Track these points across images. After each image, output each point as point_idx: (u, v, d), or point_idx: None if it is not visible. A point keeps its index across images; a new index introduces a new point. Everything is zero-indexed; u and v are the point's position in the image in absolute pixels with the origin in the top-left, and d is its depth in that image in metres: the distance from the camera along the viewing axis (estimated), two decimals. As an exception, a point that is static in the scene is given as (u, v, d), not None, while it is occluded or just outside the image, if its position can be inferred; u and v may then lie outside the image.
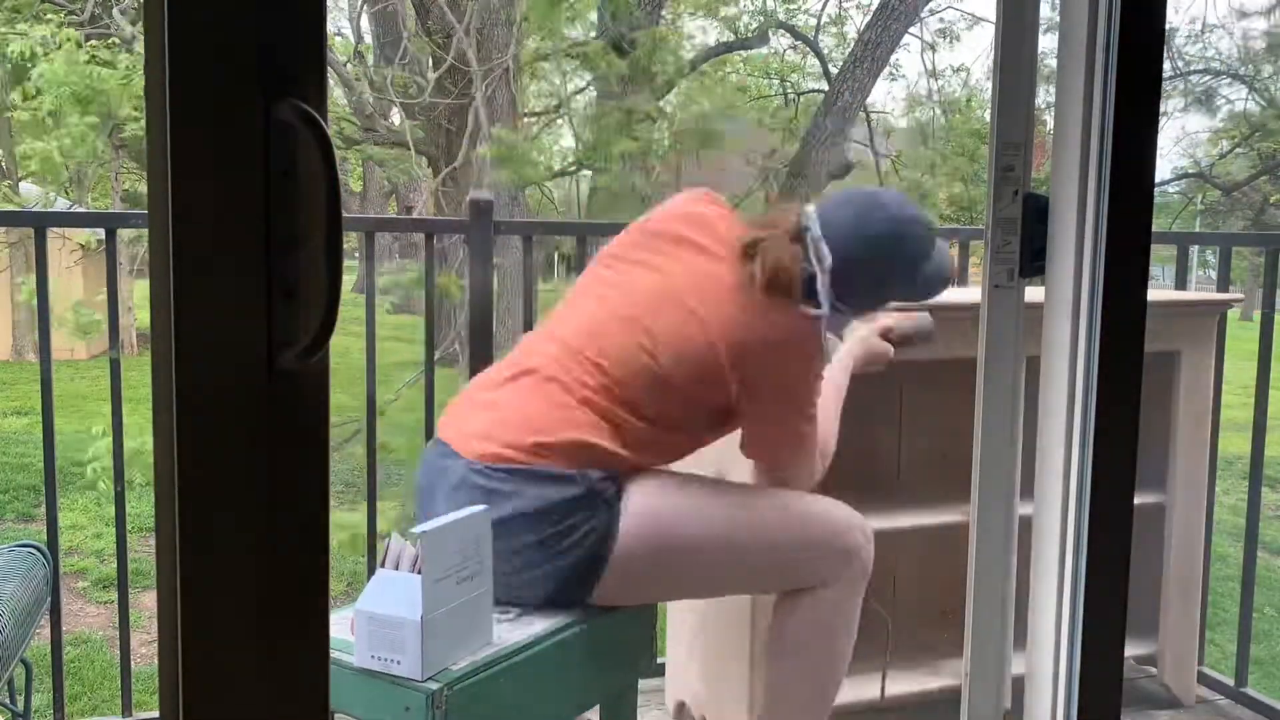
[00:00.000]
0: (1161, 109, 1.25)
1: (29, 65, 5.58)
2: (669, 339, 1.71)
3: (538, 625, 1.56)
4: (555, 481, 1.65)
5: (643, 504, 1.68)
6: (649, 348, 1.71)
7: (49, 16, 6.50)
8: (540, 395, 1.72)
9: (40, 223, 2.34)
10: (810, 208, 1.78)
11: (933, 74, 11.86)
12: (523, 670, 1.48)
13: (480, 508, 1.54)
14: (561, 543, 1.63)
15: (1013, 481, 1.38)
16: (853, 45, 8.45)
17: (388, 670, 1.40)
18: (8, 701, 1.99)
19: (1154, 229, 1.25)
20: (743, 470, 2.11)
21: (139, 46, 5.83)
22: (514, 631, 1.54)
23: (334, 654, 1.40)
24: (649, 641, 1.67)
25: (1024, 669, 1.33)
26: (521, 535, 1.63)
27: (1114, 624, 1.27)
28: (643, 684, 1.80)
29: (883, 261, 1.76)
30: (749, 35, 10.97)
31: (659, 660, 1.68)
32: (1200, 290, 3.12)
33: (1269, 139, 12.46)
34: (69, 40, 5.29)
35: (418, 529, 1.43)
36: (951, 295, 2.02)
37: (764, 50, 11.96)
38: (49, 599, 2.08)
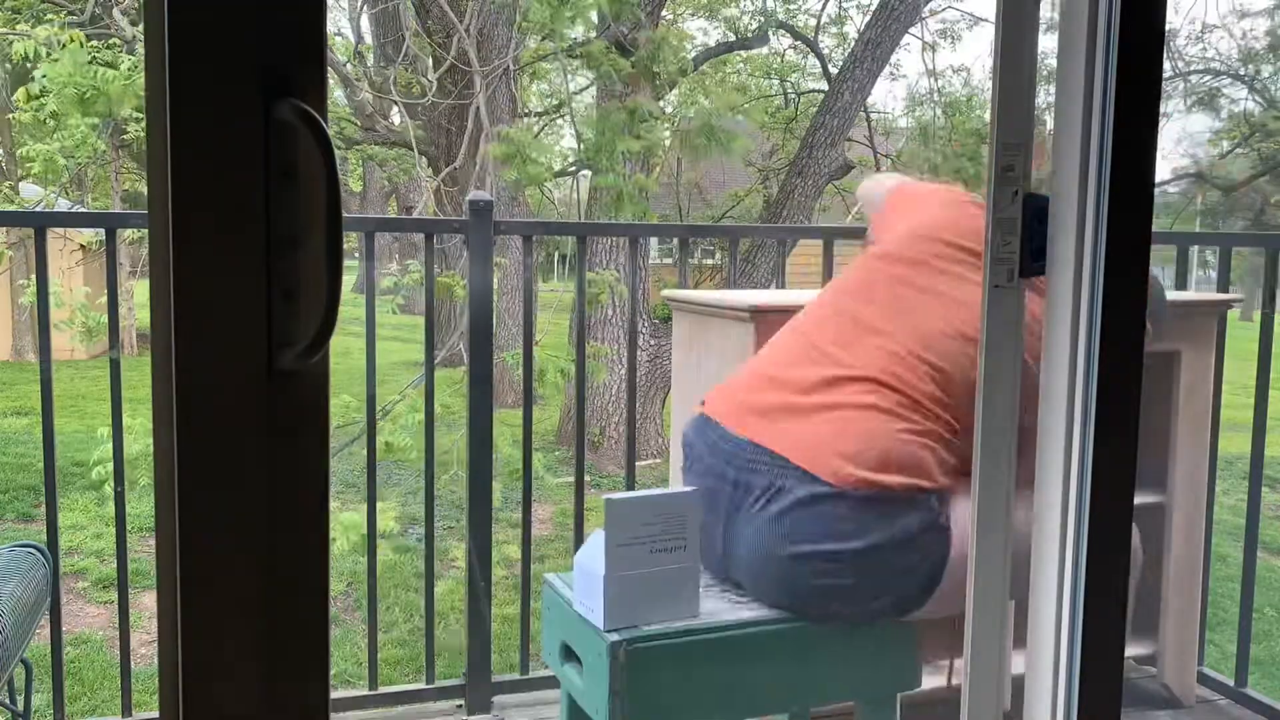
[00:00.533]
0: (1162, 109, 1.25)
1: (31, 66, 5.58)
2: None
3: (759, 612, 1.58)
4: (910, 507, 1.61)
5: (965, 520, 1.59)
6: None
7: (49, 17, 6.50)
8: (881, 407, 1.65)
9: (41, 223, 2.34)
10: None
11: (933, 74, 11.87)
12: (720, 647, 1.53)
13: (690, 490, 1.61)
14: (907, 565, 1.61)
15: (1013, 482, 1.38)
16: (853, 45, 8.45)
17: (587, 617, 1.54)
18: (8, 701, 1.99)
19: (1154, 229, 1.25)
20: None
21: (139, 47, 5.83)
22: (730, 611, 1.58)
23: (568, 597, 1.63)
24: (909, 654, 1.62)
25: (1024, 669, 1.33)
26: (875, 560, 1.60)
27: (1114, 624, 1.27)
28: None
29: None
30: (749, 35, 10.97)
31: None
32: (1200, 290, 3.11)
33: (1269, 139, 12.46)
34: (73, 40, 5.29)
35: (605, 496, 1.52)
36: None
37: (764, 50, 11.97)
38: (49, 599, 2.08)
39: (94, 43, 5.88)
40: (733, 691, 1.53)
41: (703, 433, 1.79)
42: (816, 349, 1.77)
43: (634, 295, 2.93)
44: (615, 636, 1.47)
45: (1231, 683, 2.58)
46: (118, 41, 6.17)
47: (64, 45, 5.25)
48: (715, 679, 1.51)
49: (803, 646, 1.56)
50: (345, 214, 0.78)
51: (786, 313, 2.11)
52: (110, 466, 4.04)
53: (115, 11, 6.35)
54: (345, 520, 4.00)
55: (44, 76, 5.31)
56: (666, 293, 2.50)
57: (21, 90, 5.86)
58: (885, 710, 1.60)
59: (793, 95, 12.74)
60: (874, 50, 7.28)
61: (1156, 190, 1.25)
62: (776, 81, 12.99)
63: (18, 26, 6.31)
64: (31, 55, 5.51)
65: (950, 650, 2.09)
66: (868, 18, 8.14)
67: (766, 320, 2.11)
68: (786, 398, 1.72)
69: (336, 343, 0.79)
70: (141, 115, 5.39)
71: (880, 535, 1.59)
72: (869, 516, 1.60)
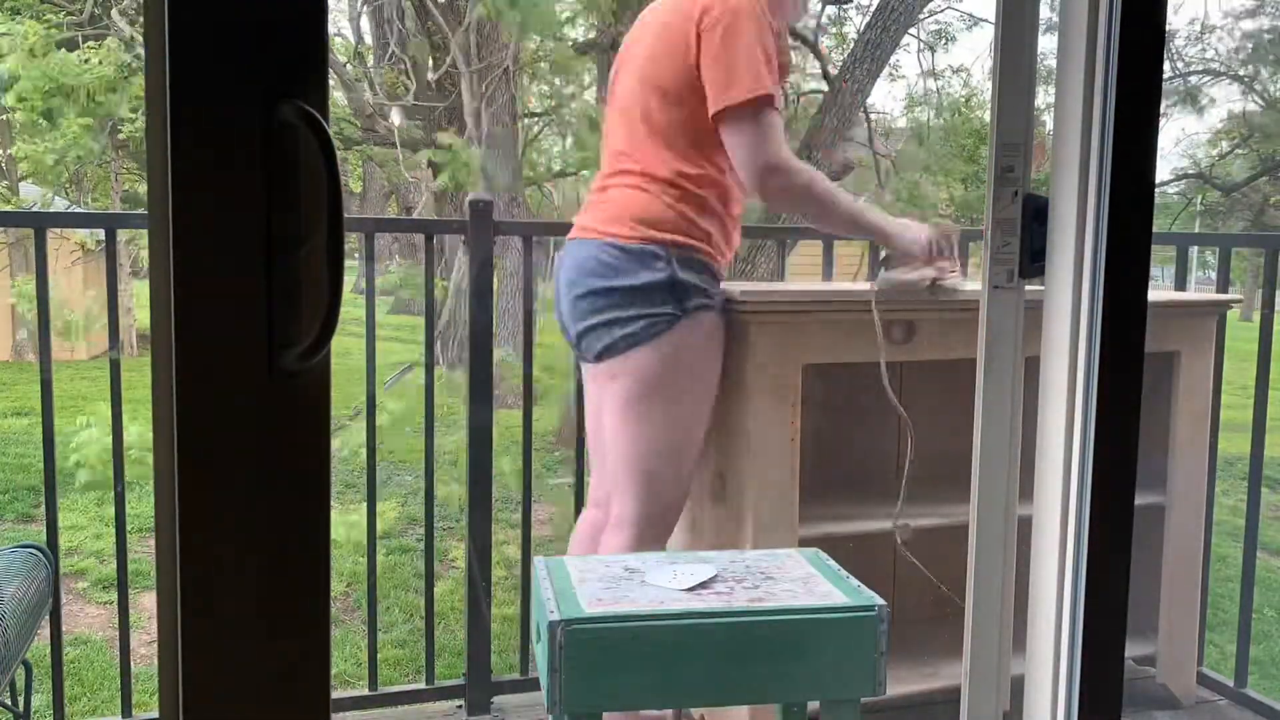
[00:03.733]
0: (1161, 110, 1.25)
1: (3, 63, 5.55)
2: (649, 66, 2.01)
3: (709, 603, 1.58)
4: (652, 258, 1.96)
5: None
6: (637, 93, 2.02)
7: (48, 17, 6.50)
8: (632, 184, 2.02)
9: (40, 223, 2.34)
10: None
11: (932, 74, 11.87)
12: (663, 636, 1.53)
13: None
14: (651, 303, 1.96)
15: (1012, 481, 1.38)
16: (852, 45, 8.45)
17: (543, 597, 1.59)
18: (8, 702, 1.99)
19: (1154, 230, 1.25)
20: (739, 465, 2.11)
21: (139, 47, 5.82)
22: (677, 601, 1.60)
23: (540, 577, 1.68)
24: (870, 658, 1.58)
25: (1024, 669, 1.33)
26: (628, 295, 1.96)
27: (1114, 624, 1.27)
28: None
29: None
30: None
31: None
32: (1200, 291, 3.11)
33: (1268, 140, 12.46)
34: (34, 35, 5.24)
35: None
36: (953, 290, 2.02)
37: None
38: (50, 600, 2.08)
39: (90, 43, 5.87)
40: (676, 681, 1.53)
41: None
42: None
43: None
44: (556, 616, 1.50)
45: (1231, 683, 2.58)
46: (117, 41, 6.17)
47: (26, 38, 5.19)
48: (657, 667, 1.52)
49: (753, 642, 1.56)
50: (345, 214, 0.79)
51: (785, 309, 2.11)
52: (83, 455, 4.04)
53: (115, 12, 6.35)
54: (344, 520, 4.00)
55: (7, 72, 5.26)
56: None
57: (10, 93, 5.84)
58: (847, 714, 1.60)
59: (792, 96, 12.73)
60: (873, 51, 7.28)
61: (1156, 191, 1.25)
62: (776, 82, 12.96)
63: (15, 27, 6.30)
64: (5, 50, 5.46)
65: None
66: (867, 18, 8.14)
67: (765, 318, 2.11)
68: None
69: (336, 343, 0.79)
70: (141, 114, 5.38)
71: (630, 278, 1.95)
72: (623, 263, 1.96)
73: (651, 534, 2.08)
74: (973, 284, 2.18)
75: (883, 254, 2.20)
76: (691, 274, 1.98)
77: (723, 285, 2.08)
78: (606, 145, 2.14)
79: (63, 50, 5.35)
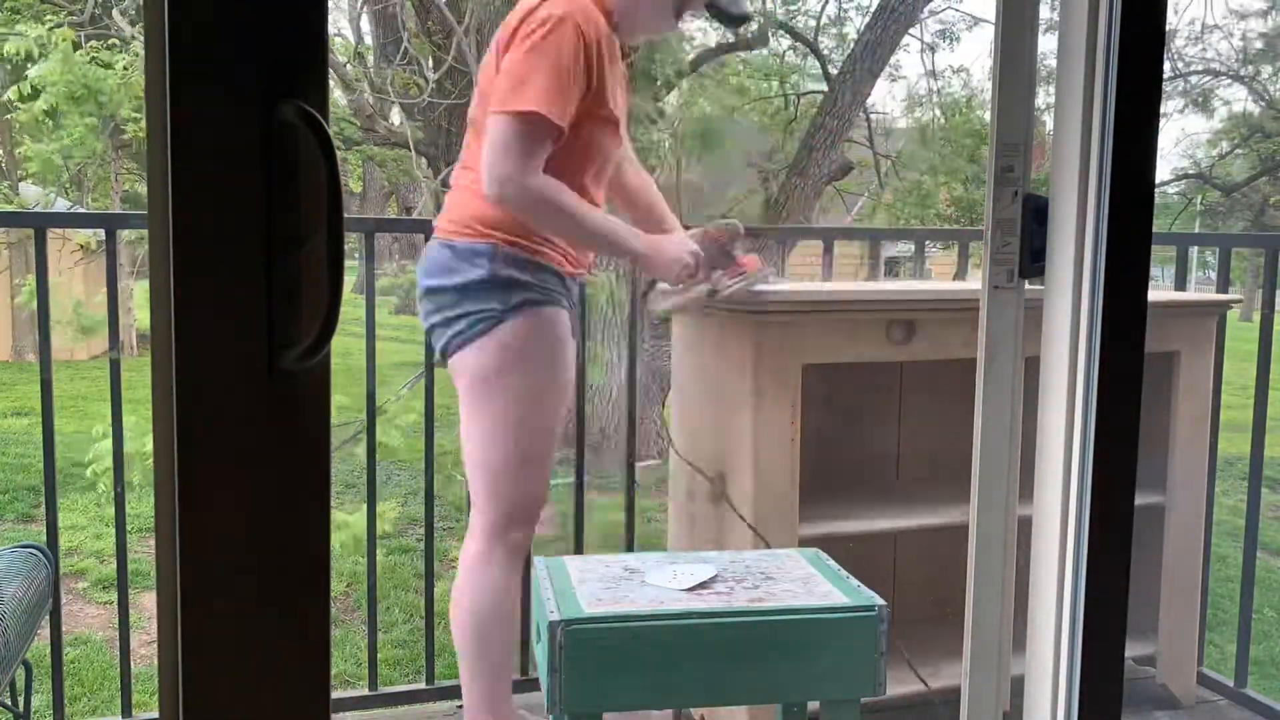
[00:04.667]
0: (1161, 110, 1.25)
1: (25, 65, 5.57)
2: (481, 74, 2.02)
3: (707, 604, 1.58)
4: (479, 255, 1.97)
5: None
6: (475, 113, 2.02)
7: (48, 17, 6.50)
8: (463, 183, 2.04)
9: (40, 224, 2.34)
10: None
11: (932, 75, 11.88)
12: (662, 636, 1.54)
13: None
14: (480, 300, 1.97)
15: (1012, 482, 1.38)
16: (852, 46, 8.45)
17: (543, 597, 1.60)
18: (8, 702, 1.99)
19: (1154, 230, 1.25)
20: (739, 465, 2.11)
21: (139, 47, 5.83)
22: (676, 602, 1.60)
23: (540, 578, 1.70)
24: (870, 658, 1.59)
25: (1024, 669, 1.33)
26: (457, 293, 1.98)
27: (1114, 624, 1.27)
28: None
29: None
30: (749, 36, 10.96)
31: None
32: (1200, 291, 3.11)
33: (1268, 140, 12.47)
34: (65, 40, 5.28)
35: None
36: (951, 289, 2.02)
37: (764, 51, 11.96)
38: (51, 600, 2.08)
39: (93, 43, 5.87)
40: (676, 681, 1.54)
41: None
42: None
43: (634, 296, 2.93)
44: (556, 616, 1.50)
45: (1231, 683, 2.58)
46: (116, 41, 6.17)
47: (57, 44, 5.24)
48: (657, 667, 1.53)
49: (753, 642, 1.56)
50: (345, 214, 0.79)
51: (785, 309, 2.11)
52: (104, 465, 4.05)
53: (115, 12, 6.35)
54: (344, 520, 4.00)
55: (37, 76, 5.30)
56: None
57: (13, 89, 5.85)
58: (846, 715, 1.60)
59: (792, 96, 12.74)
60: (874, 51, 7.28)
61: (1156, 191, 1.25)
62: (776, 82, 12.98)
63: (17, 27, 6.30)
64: (24, 54, 5.50)
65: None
66: (867, 19, 8.14)
67: (765, 318, 2.11)
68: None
69: (336, 343, 0.79)
70: (140, 115, 5.39)
71: (456, 276, 1.97)
72: (452, 261, 1.98)
73: (504, 540, 2.05)
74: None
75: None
76: (516, 270, 1.96)
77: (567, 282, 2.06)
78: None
79: (78, 52, 5.37)
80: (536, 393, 2.01)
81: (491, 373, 1.99)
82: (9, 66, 6.52)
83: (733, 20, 2.23)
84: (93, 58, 5.51)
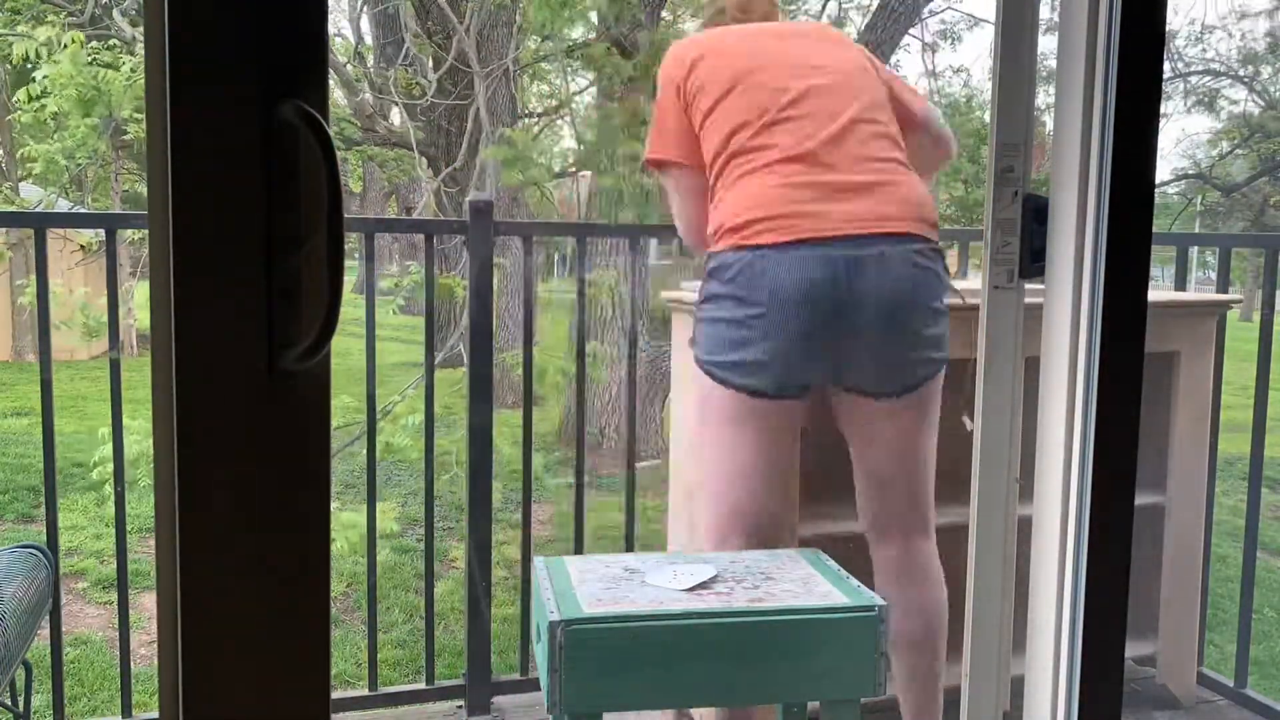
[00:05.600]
0: (1161, 110, 1.25)
1: (32, 67, 5.58)
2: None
3: (707, 604, 1.59)
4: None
5: None
6: None
7: (50, 18, 6.50)
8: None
9: (41, 224, 2.34)
10: None
11: (933, 74, 11.87)
12: (663, 636, 1.53)
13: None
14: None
15: (1012, 481, 1.38)
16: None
17: (543, 598, 1.59)
18: (8, 702, 1.99)
19: (1154, 230, 1.25)
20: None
21: (139, 48, 5.84)
22: (676, 602, 1.60)
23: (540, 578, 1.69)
24: (869, 657, 1.58)
25: (1024, 669, 1.33)
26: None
27: (1114, 624, 1.27)
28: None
29: None
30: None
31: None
32: (1200, 291, 3.11)
33: (1268, 140, 12.47)
34: (74, 42, 5.29)
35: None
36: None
37: (764, 51, 11.95)
38: (51, 600, 2.08)
39: (94, 44, 5.88)
40: (676, 681, 1.54)
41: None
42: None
43: (634, 296, 2.94)
44: (556, 616, 1.50)
45: (1231, 684, 2.58)
46: (118, 43, 6.17)
47: (65, 46, 5.25)
48: (657, 667, 1.53)
49: (753, 642, 1.57)
50: (345, 214, 0.79)
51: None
52: (110, 467, 4.05)
53: (115, 12, 6.35)
54: (344, 520, 4.00)
55: (45, 77, 5.31)
56: (666, 293, 2.51)
57: (22, 91, 5.86)
58: (846, 715, 1.60)
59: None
60: (874, 51, 7.28)
61: (1156, 191, 1.25)
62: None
63: (18, 27, 6.31)
64: (32, 56, 5.51)
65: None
66: (868, 19, 8.14)
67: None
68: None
69: (336, 343, 0.79)
70: (142, 116, 5.40)
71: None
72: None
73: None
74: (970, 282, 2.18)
75: None
76: None
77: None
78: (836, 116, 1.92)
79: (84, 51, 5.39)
80: None
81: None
82: (10, 67, 6.52)
83: None
84: (93, 58, 5.52)
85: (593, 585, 1.63)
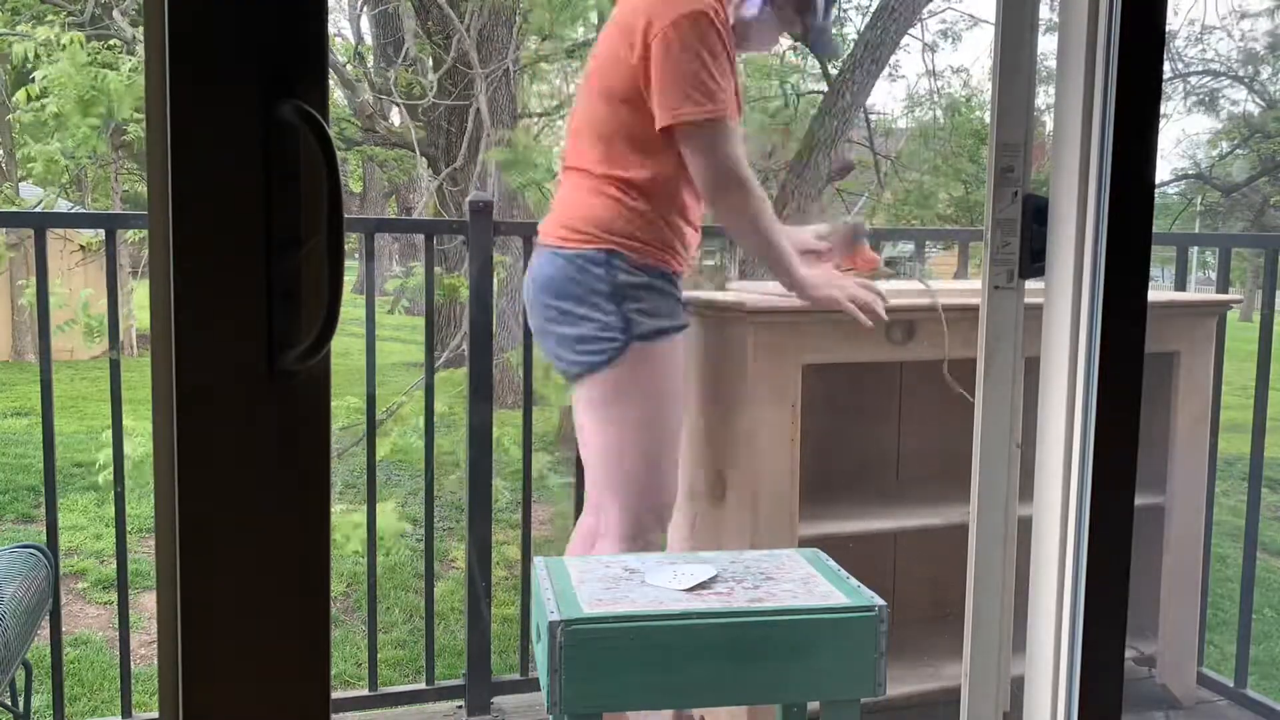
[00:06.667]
0: (1161, 110, 1.25)
1: (31, 67, 5.59)
2: (600, 68, 1.99)
3: (708, 604, 1.59)
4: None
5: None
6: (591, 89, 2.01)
7: (50, 18, 6.50)
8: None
9: (41, 224, 2.34)
10: None
11: (933, 74, 11.88)
12: (663, 636, 1.54)
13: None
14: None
15: (1012, 482, 1.38)
16: (852, 46, 8.45)
17: (543, 597, 1.60)
18: (8, 702, 1.99)
19: (1154, 229, 1.25)
20: (739, 465, 2.11)
21: (139, 48, 5.84)
22: (676, 602, 1.60)
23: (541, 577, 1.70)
24: (870, 658, 1.58)
25: (1024, 669, 1.33)
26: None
27: (1114, 624, 1.27)
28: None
29: None
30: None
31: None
32: (1200, 291, 3.11)
33: (1268, 140, 12.47)
34: (73, 42, 5.30)
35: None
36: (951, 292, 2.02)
37: (764, 51, 11.95)
38: (50, 600, 2.08)
39: (94, 44, 5.88)
40: (676, 681, 1.54)
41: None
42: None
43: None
44: (556, 616, 1.50)
45: (1231, 684, 2.58)
46: (118, 43, 6.17)
47: (64, 46, 5.26)
48: (657, 667, 1.53)
49: (753, 642, 1.56)
50: (345, 214, 0.79)
51: (785, 309, 2.11)
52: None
53: (115, 12, 6.35)
54: (356, 520, 4.00)
55: (45, 78, 5.32)
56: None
57: (21, 91, 5.86)
58: (846, 715, 1.60)
59: (792, 97, 12.73)
60: (874, 51, 7.27)
61: (1156, 190, 1.25)
62: (776, 83, 12.98)
63: (18, 27, 6.31)
64: (32, 56, 5.51)
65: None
66: (867, 19, 8.14)
67: (765, 318, 2.11)
68: None
69: (336, 343, 0.79)
70: (142, 116, 5.41)
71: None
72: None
73: (637, 543, 2.09)
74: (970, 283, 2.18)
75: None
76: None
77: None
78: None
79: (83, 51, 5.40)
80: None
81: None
82: (9, 67, 6.53)
83: (822, 53, 2.34)
84: (93, 58, 5.52)
85: (593, 585, 1.63)
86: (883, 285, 2.16)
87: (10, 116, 7.54)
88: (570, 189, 2.04)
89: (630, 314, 1.96)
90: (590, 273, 1.96)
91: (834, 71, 8.66)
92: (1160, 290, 2.62)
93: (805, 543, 2.13)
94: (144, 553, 4.96)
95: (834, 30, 2.20)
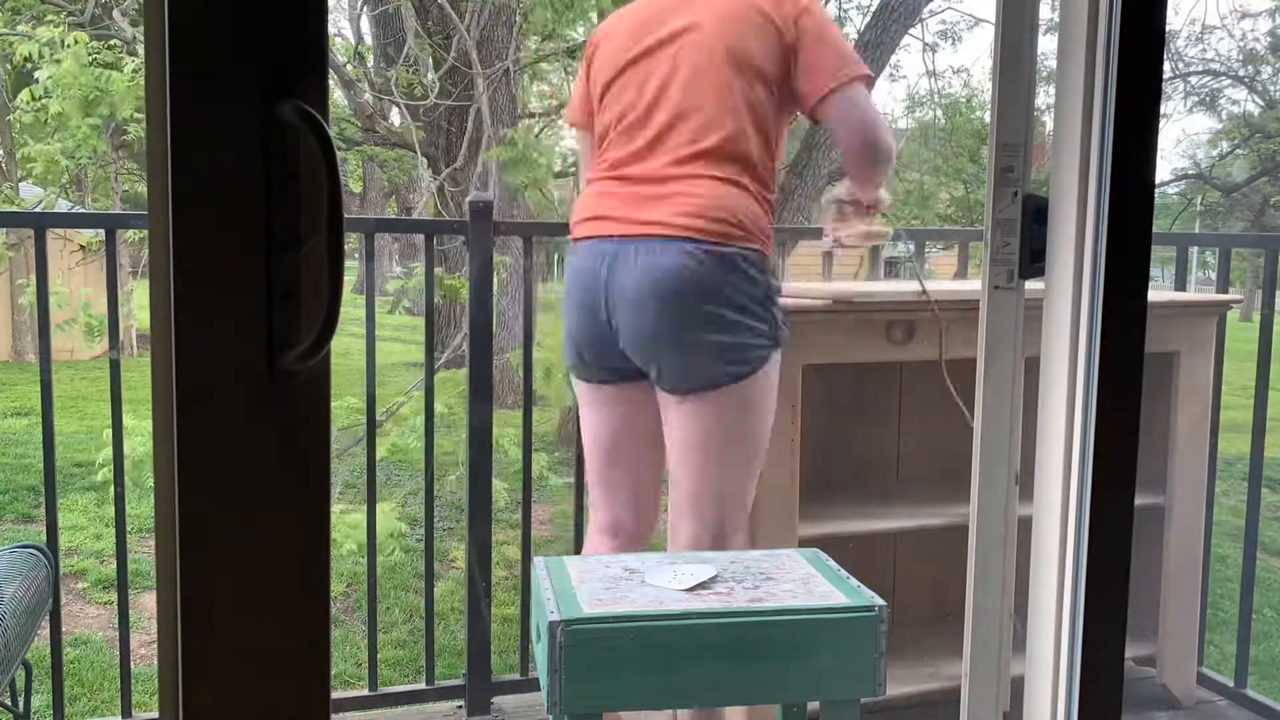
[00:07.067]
0: (1161, 110, 1.25)
1: (35, 68, 5.59)
2: (731, 48, 1.93)
3: (708, 604, 1.59)
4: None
5: None
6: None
7: (50, 18, 6.51)
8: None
9: (40, 224, 2.34)
10: None
11: (933, 74, 11.88)
12: (663, 636, 1.53)
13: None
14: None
15: (1012, 482, 1.38)
16: (852, 46, 8.44)
17: (543, 598, 1.59)
18: (8, 702, 1.99)
19: (1154, 229, 1.25)
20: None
21: (140, 48, 5.84)
22: (677, 602, 1.60)
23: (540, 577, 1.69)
24: (870, 658, 1.58)
25: (1024, 669, 1.33)
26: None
27: (1114, 624, 1.27)
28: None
29: None
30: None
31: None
32: (1200, 291, 3.11)
33: (1268, 140, 12.47)
34: (76, 42, 5.30)
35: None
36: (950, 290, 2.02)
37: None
38: (50, 600, 2.08)
39: (94, 44, 5.88)
40: (676, 681, 1.54)
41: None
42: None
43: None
44: (556, 616, 1.50)
45: (1231, 684, 2.58)
46: (118, 43, 6.17)
47: (67, 46, 5.26)
48: (657, 667, 1.53)
49: (753, 642, 1.57)
50: (345, 214, 0.78)
51: (785, 311, 2.11)
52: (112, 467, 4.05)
53: (115, 12, 6.35)
54: (353, 521, 4.00)
55: (48, 78, 5.32)
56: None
57: (25, 91, 5.87)
58: (847, 715, 1.60)
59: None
60: (874, 51, 7.27)
61: (1156, 190, 1.25)
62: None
63: (18, 27, 6.31)
64: (34, 56, 5.52)
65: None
66: (867, 19, 8.14)
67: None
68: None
69: (336, 343, 0.79)
70: (142, 116, 5.41)
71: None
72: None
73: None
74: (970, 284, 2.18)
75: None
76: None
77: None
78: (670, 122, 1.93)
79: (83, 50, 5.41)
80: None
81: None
82: (9, 67, 6.53)
83: None
84: (94, 59, 5.52)
85: (593, 585, 1.63)
86: (883, 285, 2.17)
87: (10, 116, 7.55)
88: (695, 185, 1.88)
89: (779, 320, 1.91)
90: (747, 274, 1.85)
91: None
92: (1160, 290, 2.62)
93: (805, 543, 2.13)
94: (144, 553, 4.96)
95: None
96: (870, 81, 1.97)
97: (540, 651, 1.57)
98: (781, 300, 1.94)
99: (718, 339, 1.84)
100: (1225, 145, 13.70)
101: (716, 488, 1.95)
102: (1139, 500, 1.27)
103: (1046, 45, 1.32)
